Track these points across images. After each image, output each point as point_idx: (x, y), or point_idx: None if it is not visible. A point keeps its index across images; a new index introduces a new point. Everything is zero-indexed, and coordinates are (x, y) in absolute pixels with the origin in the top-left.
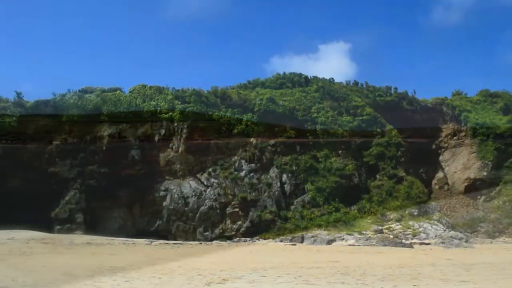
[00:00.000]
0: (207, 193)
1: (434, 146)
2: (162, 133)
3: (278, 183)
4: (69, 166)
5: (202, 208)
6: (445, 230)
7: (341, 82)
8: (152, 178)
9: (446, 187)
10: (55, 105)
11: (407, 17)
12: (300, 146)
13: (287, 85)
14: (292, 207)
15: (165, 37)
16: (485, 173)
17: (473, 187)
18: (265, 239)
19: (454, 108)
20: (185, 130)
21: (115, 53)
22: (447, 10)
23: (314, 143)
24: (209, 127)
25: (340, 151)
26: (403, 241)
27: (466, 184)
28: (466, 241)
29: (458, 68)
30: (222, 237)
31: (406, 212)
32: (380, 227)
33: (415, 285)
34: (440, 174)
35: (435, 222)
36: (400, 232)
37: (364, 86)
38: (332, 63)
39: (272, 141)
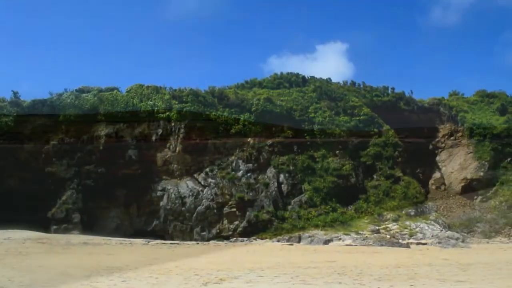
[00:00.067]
0: (204, 193)
1: (431, 146)
2: (159, 133)
3: (275, 183)
4: (66, 166)
5: (199, 208)
6: (441, 230)
7: (339, 82)
8: (149, 178)
9: (443, 187)
10: (52, 104)
11: (405, 17)
12: (298, 146)
13: (284, 85)
14: (289, 207)
15: (162, 36)
16: (481, 174)
17: (469, 187)
18: (262, 239)
19: (451, 108)
20: (182, 130)
21: (112, 52)
22: (445, 10)
23: (311, 143)
24: (206, 127)
25: (337, 151)
26: (400, 241)
27: (462, 184)
28: (463, 241)
29: (455, 69)
30: (219, 237)
31: (403, 212)
32: (377, 227)
33: (412, 285)
34: (437, 174)
35: (432, 222)
36: (397, 232)
37: (361, 86)
38: (329, 63)
39: (269, 141)
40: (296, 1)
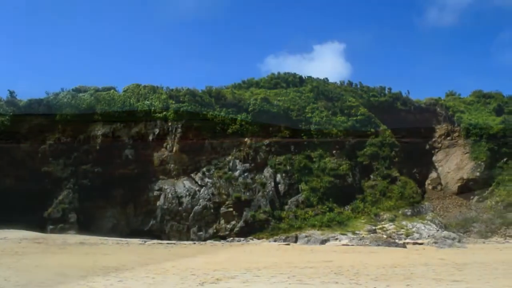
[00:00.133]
0: (201, 192)
1: (427, 147)
2: (156, 133)
3: (272, 183)
4: (62, 166)
5: (196, 207)
6: (438, 230)
7: (336, 82)
8: (146, 178)
9: (439, 187)
10: (48, 104)
11: (402, 17)
12: (294, 146)
13: (281, 85)
14: (286, 207)
15: (159, 36)
16: (478, 174)
17: (466, 188)
18: (259, 239)
19: (447, 108)
20: (179, 130)
21: (109, 52)
22: (442, 11)
23: (308, 143)
24: (203, 127)
25: (334, 151)
26: (397, 241)
27: (459, 184)
28: (459, 241)
29: (451, 69)
30: (216, 237)
31: (400, 212)
32: (374, 227)
33: (408, 285)
34: (433, 174)
35: (428, 222)
36: (394, 232)
37: (358, 86)
38: (326, 63)
39: (266, 141)
40: (294, 1)
